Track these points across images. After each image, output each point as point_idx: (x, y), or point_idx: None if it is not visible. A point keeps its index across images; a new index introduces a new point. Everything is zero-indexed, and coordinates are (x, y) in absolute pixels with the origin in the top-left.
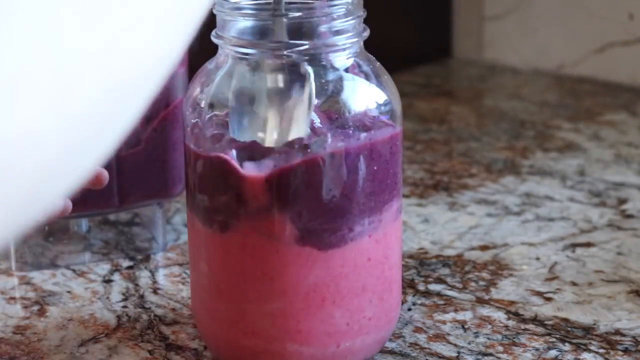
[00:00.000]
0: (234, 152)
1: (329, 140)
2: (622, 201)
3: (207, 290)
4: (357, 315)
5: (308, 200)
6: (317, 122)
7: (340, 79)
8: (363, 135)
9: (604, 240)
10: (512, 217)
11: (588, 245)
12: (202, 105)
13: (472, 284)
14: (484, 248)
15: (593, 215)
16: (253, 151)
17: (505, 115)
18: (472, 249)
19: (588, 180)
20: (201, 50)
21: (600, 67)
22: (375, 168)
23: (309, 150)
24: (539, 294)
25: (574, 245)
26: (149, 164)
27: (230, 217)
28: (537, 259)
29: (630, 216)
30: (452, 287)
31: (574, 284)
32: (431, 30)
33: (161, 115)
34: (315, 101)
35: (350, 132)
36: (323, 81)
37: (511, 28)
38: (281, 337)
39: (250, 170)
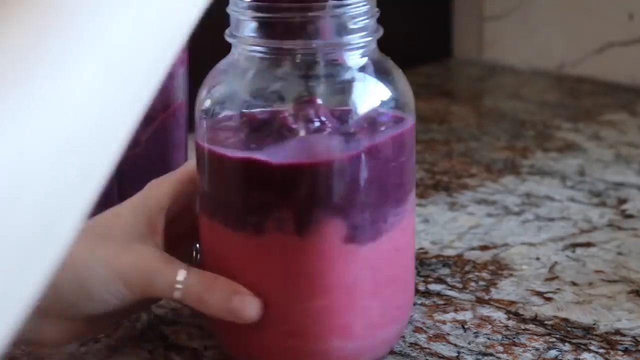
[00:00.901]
0: (267, 151)
1: (361, 135)
2: (622, 201)
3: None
4: (389, 305)
5: (348, 196)
6: (354, 116)
7: (355, 78)
8: (389, 130)
9: (604, 240)
10: (512, 217)
11: (588, 245)
12: (217, 106)
13: (472, 284)
14: (484, 248)
15: (593, 215)
16: (287, 149)
17: (505, 115)
18: (472, 249)
19: (588, 180)
20: (214, 50)
21: (600, 67)
22: (403, 159)
23: (346, 147)
24: (539, 294)
25: (574, 245)
26: (149, 165)
27: (268, 218)
28: (537, 259)
29: (630, 216)
30: (452, 287)
31: (574, 284)
32: (431, 30)
33: (161, 117)
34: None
35: (376, 127)
36: (341, 79)
37: (511, 28)
38: (326, 334)
39: (288, 170)
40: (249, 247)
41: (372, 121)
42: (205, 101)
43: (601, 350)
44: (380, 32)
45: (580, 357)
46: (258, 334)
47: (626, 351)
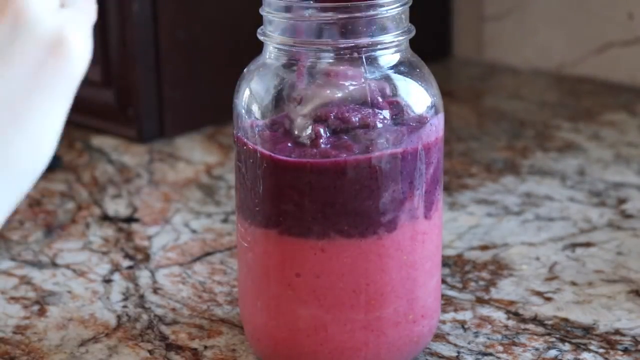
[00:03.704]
0: (328, 151)
1: (408, 131)
2: (622, 201)
3: (297, 304)
4: (434, 294)
5: (410, 190)
6: (410, 114)
7: (391, 77)
8: (427, 127)
9: (604, 240)
10: (512, 217)
11: (588, 245)
12: (258, 108)
13: (472, 283)
14: (484, 248)
15: (593, 215)
16: (343, 148)
17: (505, 115)
18: (472, 248)
19: (588, 180)
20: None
21: (600, 67)
22: (441, 153)
23: (403, 139)
24: (539, 293)
25: (574, 245)
26: None
27: (333, 225)
28: (537, 258)
29: (630, 216)
30: (452, 287)
31: (573, 283)
32: (431, 30)
33: None
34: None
35: (425, 123)
36: (376, 78)
37: (511, 28)
38: (382, 336)
39: (352, 168)
40: (312, 254)
41: (421, 118)
42: (244, 101)
43: (601, 350)
44: (414, 31)
45: (580, 357)
46: (320, 345)
47: (626, 351)
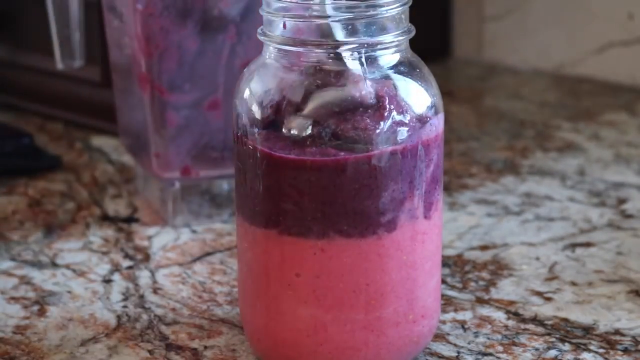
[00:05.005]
0: (329, 150)
1: (408, 131)
2: (622, 201)
3: (297, 304)
4: (434, 294)
5: (410, 189)
6: (410, 114)
7: (391, 77)
8: (427, 127)
9: (604, 240)
10: (512, 217)
11: (588, 245)
12: (258, 108)
13: (472, 283)
14: (484, 248)
15: (593, 215)
16: (343, 148)
17: (505, 115)
18: (472, 248)
19: (588, 180)
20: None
21: (600, 67)
22: (441, 152)
23: (403, 138)
24: (539, 293)
25: (574, 245)
26: None
27: (333, 224)
28: (537, 258)
29: (630, 216)
30: (452, 287)
31: (573, 283)
32: (431, 30)
33: None
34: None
35: (425, 123)
36: (376, 77)
37: (511, 28)
38: (382, 336)
39: (352, 166)
40: (312, 255)
41: (421, 118)
42: (245, 100)
43: (601, 350)
44: (414, 31)
45: (580, 357)
46: (321, 345)
47: (626, 351)
